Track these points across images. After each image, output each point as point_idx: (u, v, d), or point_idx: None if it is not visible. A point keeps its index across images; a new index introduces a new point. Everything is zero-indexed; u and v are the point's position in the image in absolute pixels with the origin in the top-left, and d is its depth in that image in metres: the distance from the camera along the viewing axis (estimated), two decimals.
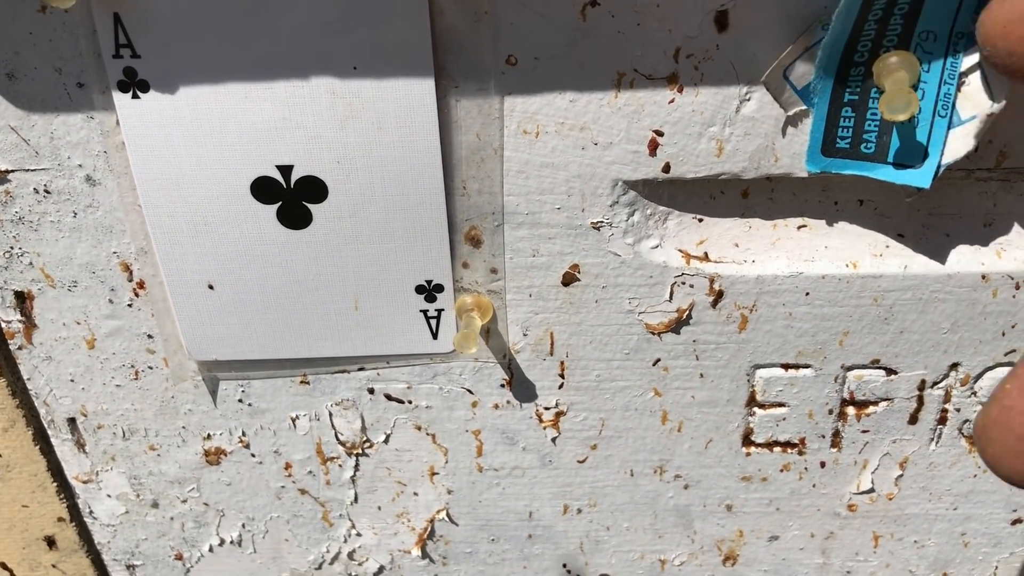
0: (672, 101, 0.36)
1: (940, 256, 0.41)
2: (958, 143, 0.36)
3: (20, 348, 0.44)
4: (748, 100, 0.36)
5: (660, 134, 0.37)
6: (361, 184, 0.38)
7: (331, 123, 0.36)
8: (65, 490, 0.50)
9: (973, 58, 0.34)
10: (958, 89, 0.35)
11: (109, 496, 0.50)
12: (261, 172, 0.38)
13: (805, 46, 0.34)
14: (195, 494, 0.50)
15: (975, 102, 0.35)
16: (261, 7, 0.34)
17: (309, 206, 0.39)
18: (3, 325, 0.43)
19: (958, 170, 0.38)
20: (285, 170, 0.38)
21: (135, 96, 0.36)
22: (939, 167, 0.36)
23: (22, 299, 0.43)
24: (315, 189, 0.38)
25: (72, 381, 0.45)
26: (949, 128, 0.35)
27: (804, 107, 0.36)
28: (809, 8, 0.34)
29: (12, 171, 0.39)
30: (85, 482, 0.50)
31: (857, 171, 0.37)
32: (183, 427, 0.47)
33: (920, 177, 0.36)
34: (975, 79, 0.35)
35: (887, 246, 0.41)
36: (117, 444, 0.48)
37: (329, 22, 0.34)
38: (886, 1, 0.32)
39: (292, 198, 0.38)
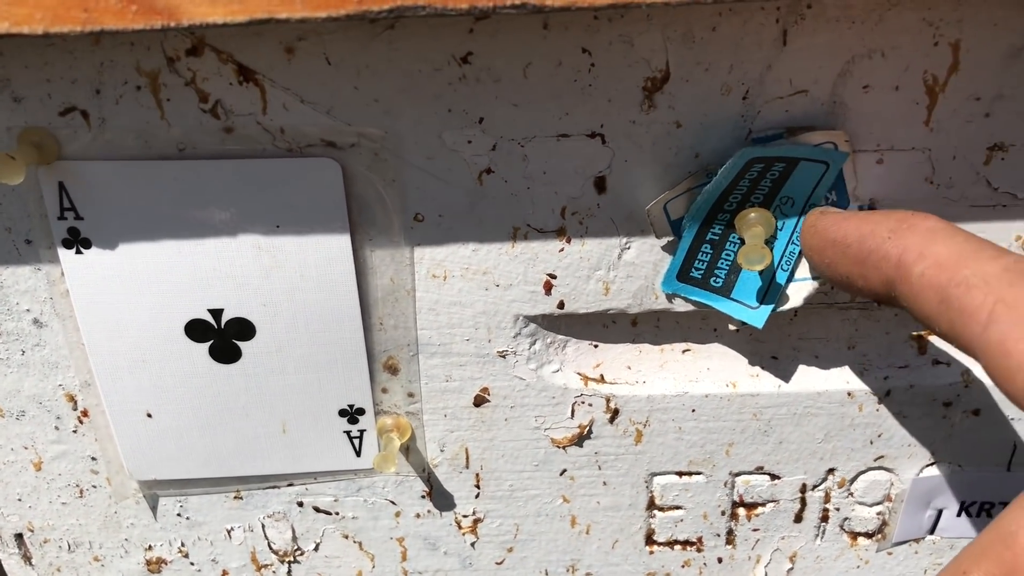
0: (562, 250, 0.41)
1: (810, 375, 0.46)
2: (796, 296, 0.40)
3: None
4: (628, 248, 0.41)
5: (553, 277, 0.42)
6: (286, 323, 0.42)
7: (257, 272, 0.41)
8: None
9: None
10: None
11: None
12: (194, 315, 0.42)
13: (688, 187, 0.39)
14: None
15: (807, 269, 0.40)
16: (191, 178, 0.38)
17: (238, 343, 0.43)
18: None
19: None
20: (216, 313, 0.42)
21: (78, 252, 0.40)
22: (772, 312, 0.40)
23: None
24: (244, 328, 0.42)
25: (20, 500, 0.48)
26: (788, 281, 0.40)
27: (673, 238, 0.41)
28: (673, 175, 0.39)
29: None
30: None
31: (703, 299, 0.41)
32: (126, 539, 0.50)
33: (756, 317, 0.41)
34: None
35: (763, 367, 0.46)
36: (63, 556, 0.51)
37: (254, 190, 0.38)
38: (762, 166, 0.37)
39: (222, 337, 0.42)
